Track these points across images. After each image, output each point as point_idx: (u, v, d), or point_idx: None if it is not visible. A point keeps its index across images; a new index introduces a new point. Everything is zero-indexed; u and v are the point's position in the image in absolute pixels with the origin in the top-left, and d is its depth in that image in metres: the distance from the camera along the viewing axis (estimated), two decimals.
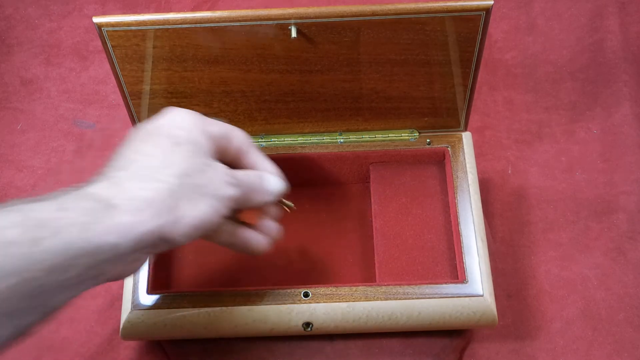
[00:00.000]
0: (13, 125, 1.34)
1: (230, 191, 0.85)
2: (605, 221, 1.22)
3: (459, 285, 1.03)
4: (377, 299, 1.02)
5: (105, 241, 0.74)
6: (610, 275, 1.17)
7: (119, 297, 1.13)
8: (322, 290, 1.03)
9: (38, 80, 1.39)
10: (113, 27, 0.96)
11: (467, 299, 1.02)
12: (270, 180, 0.93)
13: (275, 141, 1.15)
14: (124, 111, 1.33)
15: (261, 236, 0.95)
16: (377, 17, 0.96)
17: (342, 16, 0.96)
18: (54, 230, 0.71)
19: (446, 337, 1.09)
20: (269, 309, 1.02)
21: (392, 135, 1.15)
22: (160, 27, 0.97)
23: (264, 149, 1.15)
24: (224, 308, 1.02)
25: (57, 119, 1.35)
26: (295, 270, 1.13)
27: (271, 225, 0.97)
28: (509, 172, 1.28)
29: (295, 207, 1.03)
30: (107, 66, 1.35)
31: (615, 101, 1.34)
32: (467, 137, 1.15)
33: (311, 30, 0.98)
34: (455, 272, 1.07)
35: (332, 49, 1.01)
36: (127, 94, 1.06)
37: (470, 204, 1.09)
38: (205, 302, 1.02)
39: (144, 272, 1.05)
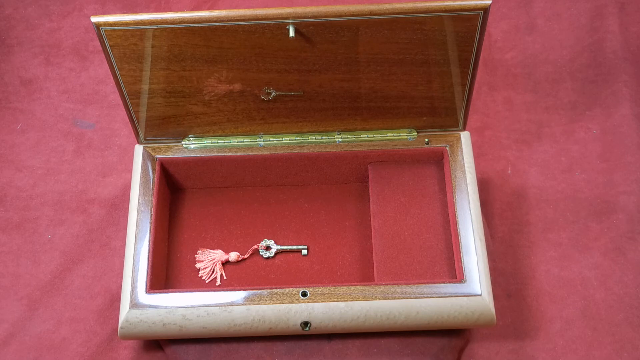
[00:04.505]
0: (13, 125, 1.34)
1: None
2: (605, 221, 1.22)
3: (457, 284, 1.03)
4: (375, 299, 1.02)
5: None
6: (610, 276, 1.17)
7: (118, 298, 1.13)
8: (320, 289, 1.03)
9: (38, 80, 1.40)
10: (111, 26, 0.97)
11: (465, 298, 1.02)
12: None
13: (273, 141, 1.15)
14: (123, 111, 1.34)
15: None
16: (375, 17, 0.97)
17: (340, 16, 0.96)
18: None
19: (445, 337, 1.09)
20: (267, 308, 1.02)
21: (390, 135, 1.15)
22: (159, 26, 0.97)
23: (262, 149, 1.15)
24: (222, 308, 1.02)
25: (57, 119, 1.35)
26: (293, 269, 1.13)
27: None
28: (509, 172, 1.27)
29: None
30: (107, 66, 1.35)
31: (615, 101, 1.34)
32: (465, 137, 1.15)
33: (309, 29, 0.98)
34: (454, 271, 1.07)
35: (330, 48, 1.01)
36: (125, 94, 1.06)
37: (469, 203, 1.09)
38: (203, 301, 1.02)
39: (142, 272, 1.05)
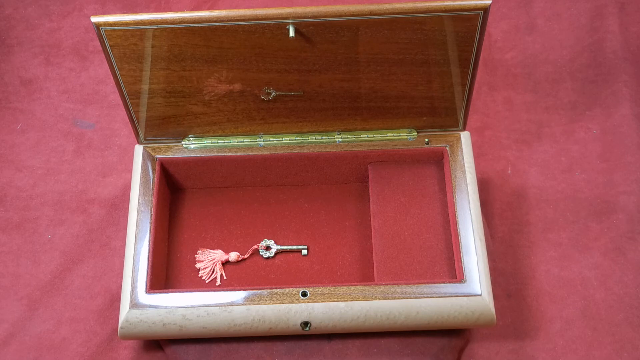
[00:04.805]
0: (13, 125, 1.34)
1: None
2: (605, 221, 1.22)
3: (457, 284, 1.03)
4: (375, 299, 1.02)
5: None
6: (610, 276, 1.17)
7: (118, 298, 1.13)
8: (320, 289, 1.03)
9: (38, 80, 1.40)
10: (111, 26, 0.97)
11: (465, 298, 1.02)
12: None
13: (273, 141, 1.15)
14: (123, 111, 1.34)
15: None
16: (375, 17, 0.96)
17: (340, 16, 0.96)
18: None
19: (445, 337, 1.09)
20: (267, 308, 1.02)
21: (390, 135, 1.15)
22: (159, 26, 0.97)
23: (262, 149, 1.15)
24: (222, 308, 1.02)
25: (57, 119, 1.35)
26: (293, 269, 1.13)
27: None
28: (509, 172, 1.27)
29: None
30: (107, 66, 1.35)
31: (615, 101, 1.34)
32: (465, 137, 1.15)
33: (309, 29, 0.98)
34: (454, 271, 1.07)
35: (330, 48, 1.01)
36: (125, 94, 1.06)
37: (469, 203, 1.09)
38: (203, 301, 1.02)
39: (142, 272, 1.05)
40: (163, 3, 1.50)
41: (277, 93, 1.08)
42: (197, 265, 1.13)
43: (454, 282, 1.03)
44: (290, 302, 1.02)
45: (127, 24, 0.97)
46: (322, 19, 0.96)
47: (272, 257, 1.14)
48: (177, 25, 0.97)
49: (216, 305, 1.02)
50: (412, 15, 0.97)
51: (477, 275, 1.03)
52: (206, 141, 1.15)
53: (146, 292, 1.03)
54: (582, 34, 1.42)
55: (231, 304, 1.02)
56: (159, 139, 1.15)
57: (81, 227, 1.23)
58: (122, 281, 1.08)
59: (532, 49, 1.42)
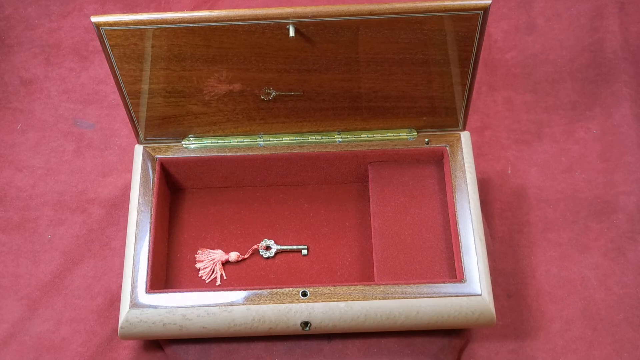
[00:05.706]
0: (13, 125, 1.34)
1: None
2: (605, 221, 1.22)
3: (457, 284, 1.03)
4: (375, 298, 1.02)
5: None
6: (610, 276, 1.17)
7: (118, 298, 1.13)
8: (320, 289, 1.03)
9: (38, 80, 1.40)
10: (111, 26, 0.97)
11: (465, 298, 1.02)
12: None
13: (273, 141, 1.15)
14: (123, 111, 1.34)
15: None
16: (375, 17, 0.97)
17: (340, 15, 0.96)
18: None
19: (445, 337, 1.09)
20: (268, 308, 1.02)
21: (390, 135, 1.15)
22: (159, 26, 0.97)
23: (262, 149, 1.15)
24: (222, 308, 1.02)
25: (57, 119, 1.35)
26: (293, 269, 1.13)
27: None
28: (509, 172, 1.27)
29: None
30: (107, 66, 1.35)
31: (615, 101, 1.34)
32: (465, 137, 1.15)
33: (309, 29, 0.98)
34: (454, 271, 1.07)
35: (330, 48, 1.01)
36: (125, 94, 1.06)
37: (469, 203, 1.09)
38: (203, 301, 1.02)
39: (142, 272, 1.05)
40: (163, 3, 1.50)
41: (277, 93, 1.08)
42: (197, 265, 1.13)
43: (454, 282, 1.03)
44: (290, 302, 1.02)
45: (127, 23, 0.97)
46: (322, 19, 0.96)
47: (272, 257, 1.14)
48: (177, 25, 0.97)
49: (216, 305, 1.02)
50: (412, 15, 0.97)
51: (477, 275, 1.03)
52: (206, 141, 1.15)
53: (146, 292, 1.03)
54: (582, 34, 1.42)
55: (231, 304, 1.02)
56: (159, 139, 1.15)
57: (81, 227, 1.23)
58: (122, 281, 1.08)
59: (532, 49, 1.42)
